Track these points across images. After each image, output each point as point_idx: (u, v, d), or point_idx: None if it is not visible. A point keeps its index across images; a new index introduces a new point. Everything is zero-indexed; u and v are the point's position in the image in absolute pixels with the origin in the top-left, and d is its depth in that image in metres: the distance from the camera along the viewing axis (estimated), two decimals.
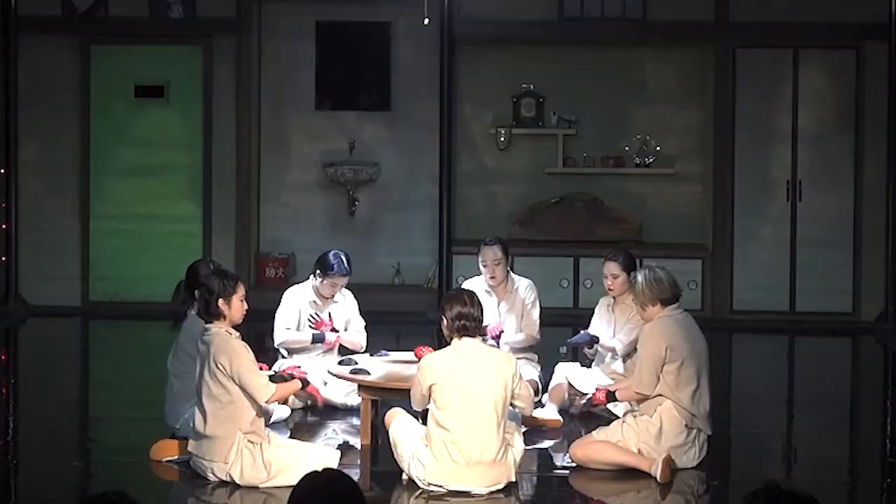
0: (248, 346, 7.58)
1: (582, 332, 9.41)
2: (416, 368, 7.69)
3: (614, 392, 8.25)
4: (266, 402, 7.59)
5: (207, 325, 7.58)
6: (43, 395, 10.19)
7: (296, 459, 7.44)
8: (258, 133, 13.94)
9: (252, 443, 7.46)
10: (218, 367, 7.41)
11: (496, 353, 7.61)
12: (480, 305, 7.51)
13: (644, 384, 7.89)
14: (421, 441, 7.43)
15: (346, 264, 9.36)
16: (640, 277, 8.01)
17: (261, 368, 7.88)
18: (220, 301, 7.52)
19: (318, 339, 9.38)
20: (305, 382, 7.88)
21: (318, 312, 9.41)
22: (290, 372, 7.95)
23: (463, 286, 9.88)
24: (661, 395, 7.88)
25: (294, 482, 7.27)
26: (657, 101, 13.82)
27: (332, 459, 7.53)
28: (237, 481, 7.44)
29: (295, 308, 9.47)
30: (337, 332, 9.42)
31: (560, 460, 8.31)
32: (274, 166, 13.99)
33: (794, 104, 13.37)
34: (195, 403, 7.61)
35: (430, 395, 7.37)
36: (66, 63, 13.60)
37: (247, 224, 13.71)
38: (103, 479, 7.91)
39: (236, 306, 7.57)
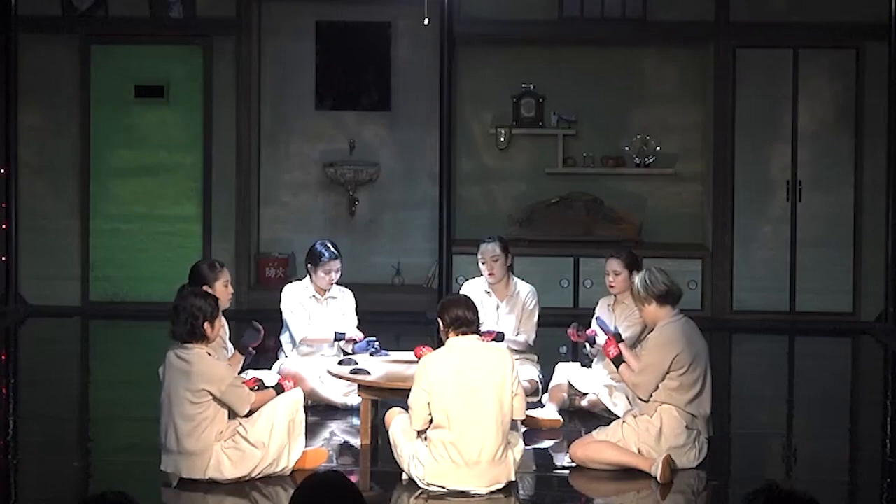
0: (227, 364, 7.62)
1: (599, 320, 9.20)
2: (415, 369, 7.68)
3: (621, 359, 8.15)
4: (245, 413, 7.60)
5: (187, 345, 7.47)
6: (43, 395, 10.19)
7: (272, 421, 7.48)
8: (258, 133, 13.95)
9: (230, 440, 7.47)
10: (200, 391, 7.39)
11: (493, 351, 7.61)
12: (476, 310, 7.55)
13: (643, 389, 7.91)
14: (421, 441, 7.43)
15: (333, 249, 9.43)
16: (636, 278, 8.07)
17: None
18: (206, 324, 7.49)
19: (339, 338, 9.37)
20: (279, 389, 7.80)
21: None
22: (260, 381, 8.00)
23: (463, 287, 9.91)
24: (660, 399, 7.88)
25: (283, 440, 7.41)
26: (657, 101, 13.82)
27: (296, 396, 7.63)
28: (235, 477, 7.44)
29: (299, 304, 9.50)
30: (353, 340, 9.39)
31: (560, 460, 8.31)
32: (274, 166, 13.99)
33: (794, 104, 13.37)
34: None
35: (429, 406, 7.34)
36: (66, 63, 13.60)
37: (247, 224, 13.71)
38: (103, 479, 7.92)
39: (217, 328, 7.58)
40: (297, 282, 9.73)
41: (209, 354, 7.49)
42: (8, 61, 13.36)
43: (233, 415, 7.53)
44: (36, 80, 13.57)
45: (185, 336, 7.46)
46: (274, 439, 7.49)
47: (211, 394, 7.38)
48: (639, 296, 8.01)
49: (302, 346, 9.49)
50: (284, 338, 9.60)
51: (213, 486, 7.48)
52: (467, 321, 7.43)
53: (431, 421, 7.40)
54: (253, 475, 7.50)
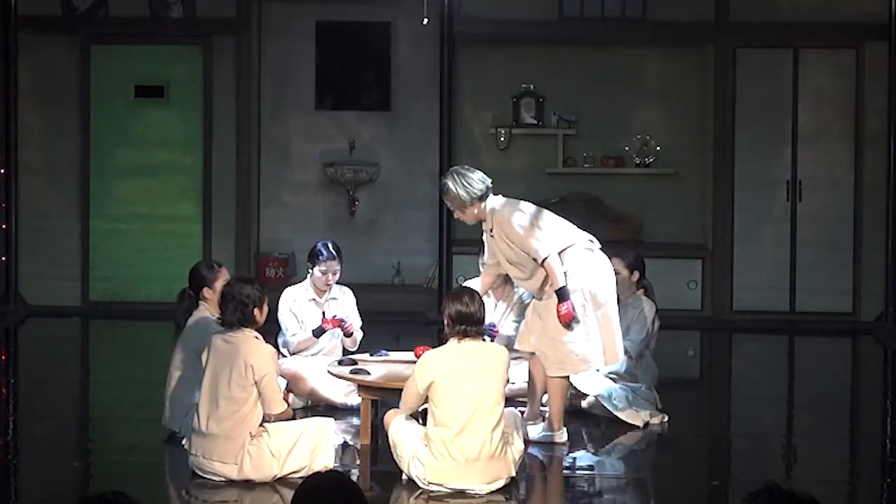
0: (276, 355, 7.62)
1: None
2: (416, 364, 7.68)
3: (559, 288, 8.16)
4: (271, 416, 7.65)
5: (234, 329, 7.57)
6: (43, 395, 10.19)
7: (297, 437, 7.53)
8: (258, 133, 13.95)
9: (256, 439, 7.49)
10: (246, 370, 7.41)
11: (492, 348, 7.61)
12: (482, 303, 7.50)
13: (552, 244, 8.11)
14: (420, 441, 7.43)
15: (332, 250, 9.44)
16: (451, 185, 8.18)
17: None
18: (256, 309, 7.56)
19: (318, 333, 9.40)
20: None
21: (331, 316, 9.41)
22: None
23: (463, 286, 9.90)
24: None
25: (304, 462, 7.43)
26: (657, 101, 13.83)
27: (328, 425, 7.69)
28: (251, 477, 7.45)
29: (295, 310, 9.49)
30: (342, 321, 9.39)
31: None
32: (274, 166, 14.00)
33: (794, 104, 13.37)
34: (197, 402, 7.60)
35: (425, 395, 7.36)
36: (66, 63, 13.61)
37: (247, 224, 13.72)
38: (103, 479, 7.91)
39: (265, 311, 7.65)
40: (297, 285, 9.71)
41: (256, 338, 7.55)
42: (8, 61, 13.37)
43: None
44: (36, 80, 13.58)
45: (235, 323, 7.56)
46: (293, 457, 7.50)
47: (255, 375, 7.40)
48: (460, 200, 8.15)
49: (285, 350, 9.49)
50: (282, 340, 9.61)
51: (218, 484, 7.47)
52: (472, 319, 7.37)
53: (426, 416, 7.41)
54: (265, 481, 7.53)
